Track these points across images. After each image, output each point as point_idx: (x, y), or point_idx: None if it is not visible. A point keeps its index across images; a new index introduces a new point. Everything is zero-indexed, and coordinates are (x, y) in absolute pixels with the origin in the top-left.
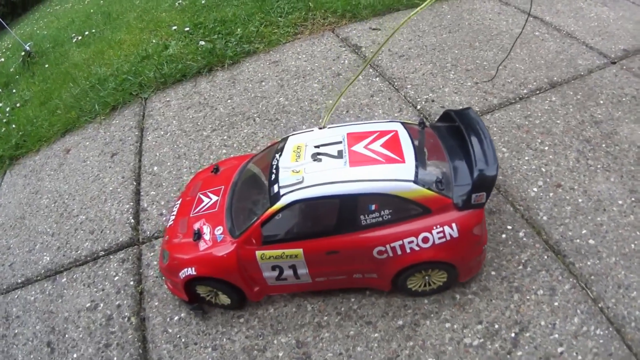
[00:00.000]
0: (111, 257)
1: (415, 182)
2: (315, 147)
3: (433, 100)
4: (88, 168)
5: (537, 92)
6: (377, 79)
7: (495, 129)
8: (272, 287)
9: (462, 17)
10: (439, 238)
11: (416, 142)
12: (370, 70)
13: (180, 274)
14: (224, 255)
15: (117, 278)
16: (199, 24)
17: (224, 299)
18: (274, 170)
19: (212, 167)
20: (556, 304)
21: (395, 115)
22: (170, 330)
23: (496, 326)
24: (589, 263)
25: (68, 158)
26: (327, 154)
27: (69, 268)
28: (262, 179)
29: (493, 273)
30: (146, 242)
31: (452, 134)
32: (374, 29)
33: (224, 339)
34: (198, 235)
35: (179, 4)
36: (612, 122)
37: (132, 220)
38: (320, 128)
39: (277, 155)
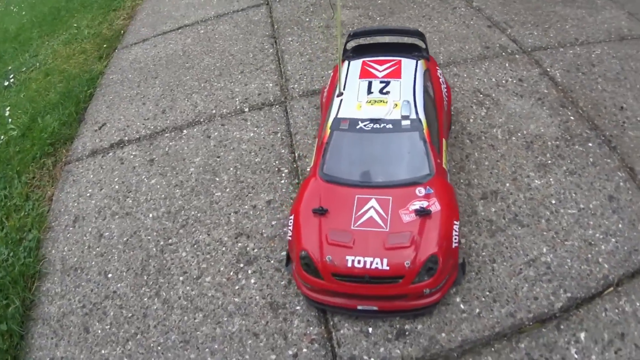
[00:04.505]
0: None
1: (419, 58)
2: (370, 93)
3: (236, 97)
4: None
5: None
6: (194, 129)
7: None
8: None
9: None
10: (439, 73)
11: (375, 54)
12: (194, 129)
13: (453, 244)
14: (450, 189)
15: None
16: None
17: None
18: (382, 124)
19: (308, 214)
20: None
21: (262, 118)
22: (478, 320)
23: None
24: None
25: None
26: (382, 88)
27: None
28: (373, 145)
29: None
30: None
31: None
32: (100, 127)
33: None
34: (422, 211)
35: None
36: None
37: None
38: (339, 95)
39: (361, 123)
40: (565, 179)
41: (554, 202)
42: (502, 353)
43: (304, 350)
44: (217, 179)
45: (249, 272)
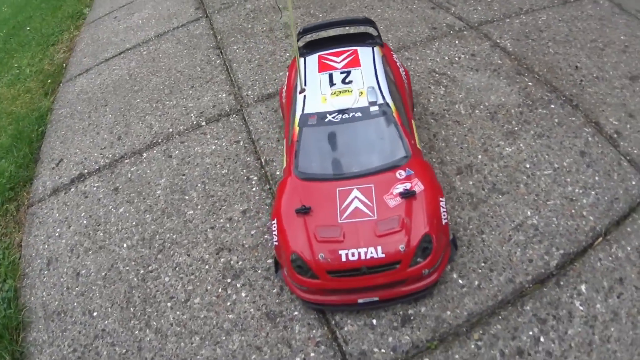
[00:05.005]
0: None
1: (374, 45)
2: (333, 85)
3: (196, 112)
4: None
5: None
6: (154, 150)
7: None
8: None
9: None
10: (395, 58)
11: (328, 47)
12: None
13: (443, 221)
14: (429, 167)
15: None
16: None
17: None
18: (351, 113)
19: (291, 215)
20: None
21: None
22: (479, 292)
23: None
24: None
25: None
26: (344, 79)
27: None
28: (345, 136)
29: None
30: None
31: (339, 39)
32: (57, 164)
33: None
34: (407, 193)
35: None
36: None
37: None
38: (301, 92)
39: (329, 116)
40: (535, 142)
41: (528, 166)
42: (510, 319)
43: (312, 354)
44: (187, 197)
45: (238, 286)
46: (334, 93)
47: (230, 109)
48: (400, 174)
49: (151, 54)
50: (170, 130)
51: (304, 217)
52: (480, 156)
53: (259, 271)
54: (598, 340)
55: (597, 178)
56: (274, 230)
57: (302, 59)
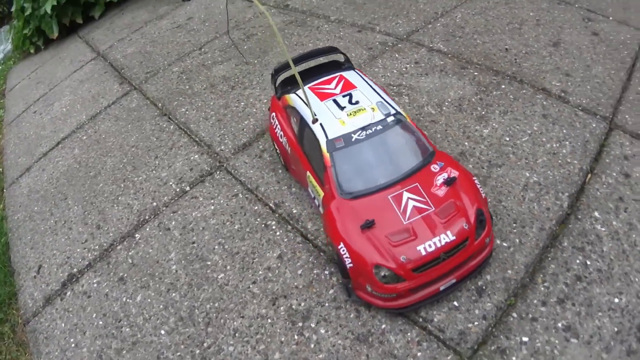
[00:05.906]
0: None
1: (352, 68)
2: (342, 108)
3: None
4: None
5: None
6: (146, 229)
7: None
8: None
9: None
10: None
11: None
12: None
13: (482, 195)
14: (450, 156)
15: None
16: None
17: None
18: (373, 127)
19: (357, 234)
20: None
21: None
22: (523, 246)
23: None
24: None
25: None
26: (350, 101)
27: None
28: (375, 149)
29: None
30: None
31: (312, 72)
32: (38, 271)
33: None
34: (449, 180)
35: None
36: None
37: None
38: (314, 121)
39: (354, 135)
40: (504, 119)
41: (508, 139)
42: (557, 257)
43: (418, 354)
44: (209, 263)
45: (313, 325)
46: (350, 114)
47: (210, 167)
48: (434, 167)
49: (92, 136)
50: (154, 204)
51: (369, 231)
52: (466, 143)
53: (326, 304)
54: (628, 247)
55: (565, 131)
56: (344, 254)
57: (292, 95)
